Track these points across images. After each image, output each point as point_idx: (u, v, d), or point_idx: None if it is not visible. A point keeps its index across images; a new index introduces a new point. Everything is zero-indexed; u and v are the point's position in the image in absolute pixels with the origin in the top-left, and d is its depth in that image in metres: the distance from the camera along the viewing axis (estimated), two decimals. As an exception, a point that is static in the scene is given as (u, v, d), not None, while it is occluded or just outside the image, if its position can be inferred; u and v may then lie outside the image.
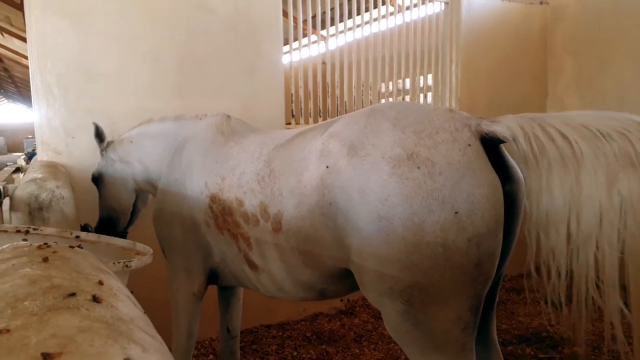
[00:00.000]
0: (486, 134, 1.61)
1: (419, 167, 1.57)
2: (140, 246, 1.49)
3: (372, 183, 1.62)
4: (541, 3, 5.46)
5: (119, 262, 1.16)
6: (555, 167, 1.49)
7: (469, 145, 1.60)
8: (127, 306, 0.53)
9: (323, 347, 3.71)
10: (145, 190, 2.86)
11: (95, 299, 0.48)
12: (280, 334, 3.95)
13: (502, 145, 1.70)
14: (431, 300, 1.58)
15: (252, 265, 2.11)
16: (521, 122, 1.58)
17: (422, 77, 5.14)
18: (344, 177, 1.69)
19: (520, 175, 1.70)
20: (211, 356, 3.58)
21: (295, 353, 3.61)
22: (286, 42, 4.29)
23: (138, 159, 2.74)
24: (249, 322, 3.87)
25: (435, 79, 5.11)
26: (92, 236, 1.45)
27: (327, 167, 1.75)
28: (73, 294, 0.47)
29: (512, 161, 1.72)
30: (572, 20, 5.27)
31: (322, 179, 1.75)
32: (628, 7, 4.73)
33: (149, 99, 3.53)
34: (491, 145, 1.63)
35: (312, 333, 3.95)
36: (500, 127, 1.60)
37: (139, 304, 0.68)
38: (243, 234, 2.07)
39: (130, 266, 1.18)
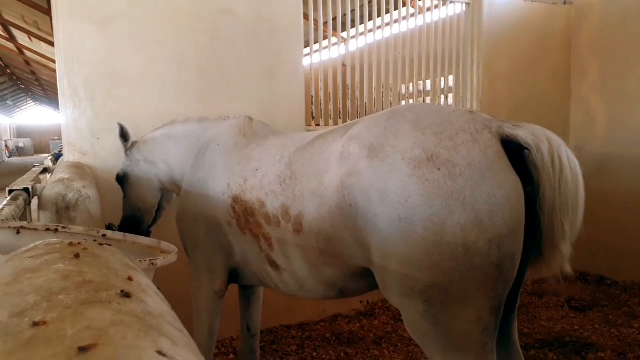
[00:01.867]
0: (507, 136, 1.60)
1: (439, 169, 1.57)
2: (165, 245, 1.52)
3: (392, 184, 1.63)
4: (565, 3, 5.38)
5: (145, 260, 1.18)
6: (566, 188, 1.58)
7: (490, 146, 1.59)
8: (155, 302, 0.55)
9: (342, 348, 3.72)
10: (170, 190, 2.91)
11: (126, 294, 0.50)
12: (300, 334, 3.97)
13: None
14: (451, 300, 1.58)
15: (274, 265, 2.13)
16: (548, 134, 1.60)
17: (443, 79, 5.10)
18: (364, 178, 1.70)
19: None
20: (231, 355, 3.62)
21: (314, 354, 3.62)
22: (306, 45, 4.31)
23: (162, 159, 2.80)
24: (269, 322, 3.90)
25: (456, 80, 5.07)
26: (118, 235, 1.48)
27: (347, 169, 1.77)
28: (105, 290, 0.49)
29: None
30: (597, 20, 5.18)
31: (343, 181, 1.77)
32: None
33: (173, 102, 3.59)
34: (512, 149, 1.62)
35: (331, 334, 3.95)
36: (523, 132, 1.60)
37: (167, 301, 0.70)
38: (265, 235, 2.09)
39: (157, 264, 1.21)
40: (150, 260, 1.20)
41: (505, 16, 5.04)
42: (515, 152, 1.62)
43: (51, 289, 0.47)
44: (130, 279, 0.58)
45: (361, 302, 4.44)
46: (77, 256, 0.62)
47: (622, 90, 4.97)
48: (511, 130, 1.60)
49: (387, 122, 1.77)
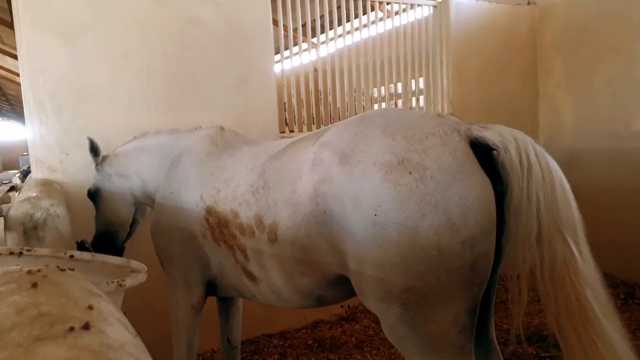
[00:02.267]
0: (476, 138, 1.62)
1: (410, 173, 1.58)
2: (135, 263, 1.48)
3: (365, 190, 1.63)
4: (529, 3, 5.50)
5: (112, 282, 1.15)
6: (536, 188, 1.57)
7: (459, 149, 1.61)
8: (117, 331, 0.53)
9: (325, 354, 3.70)
10: (143, 203, 2.86)
11: (85, 326, 0.49)
12: (282, 343, 3.94)
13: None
14: (428, 303, 1.59)
15: (250, 276, 2.11)
16: (515, 133, 1.62)
17: (413, 81, 5.15)
18: (336, 185, 1.70)
19: None
20: (213, 368, 3.57)
21: (297, 362, 3.60)
22: (277, 51, 4.30)
23: (135, 172, 2.75)
24: (250, 331, 3.86)
25: (426, 82, 5.13)
26: (86, 255, 1.44)
27: (319, 176, 1.76)
28: (61, 322, 0.47)
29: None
30: (560, 19, 5.31)
31: (316, 188, 1.76)
32: (613, 6, 4.76)
33: (143, 114, 3.54)
34: (481, 151, 1.64)
35: (313, 341, 3.94)
36: (491, 133, 1.62)
37: (131, 327, 0.68)
38: (239, 245, 2.07)
39: (125, 285, 1.18)
40: (118, 281, 1.17)
41: (472, 18, 5.12)
42: (484, 153, 1.63)
43: (3, 326, 0.46)
44: (90, 307, 0.56)
45: (342, 306, 4.44)
46: (34, 285, 0.60)
47: (587, 87, 5.10)
48: (479, 132, 1.63)
49: (358, 127, 1.77)
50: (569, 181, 1.67)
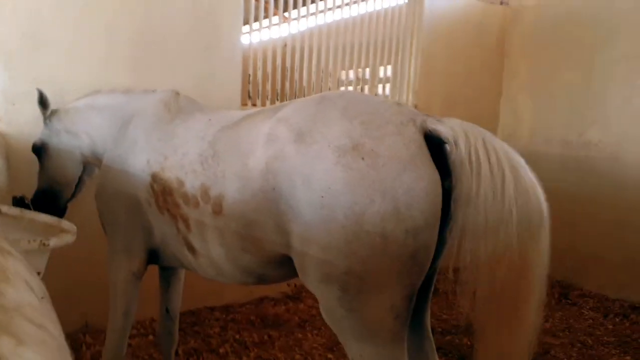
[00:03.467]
0: (430, 131, 1.63)
1: (363, 158, 1.58)
2: (66, 224, 1.42)
3: (317, 171, 1.61)
4: (501, 3, 5.57)
5: (34, 241, 1.09)
6: (483, 183, 1.58)
7: (413, 140, 1.61)
8: (17, 291, 0.50)
9: (266, 330, 3.72)
10: (92, 164, 2.75)
11: (-21, 284, 0.45)
12: (224, 316, 3.93)
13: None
14: (367, 287, 1.61)
15: (191, 248, 2.07)
16: (466, 128, 1.63)
17: (382, 68, 5.15)
18: (289, 163, 1.68)
19: None
20: (150, 336, 3.52)
21: (237, 336, 3.60)
22: (247, 22, 4.20)
23: (85, 130, 2.63)
24: (193, 303, 3.82)
25: (394, 70, 5.14)
26: (15, 210, 1.37)
27: (273, 152, 1.73)
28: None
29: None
30: (530, 23, 5.40)
31: (268, 164, 1.73)
32: (580, 17, 4.89)
33: (103, 72, 3.39)
34: (434, 143, 1.65)
35: (256, 316, 3.94)
36: (444, 127, 1.63)
37: (43, 287, 0.64)
38: (182, 215, 2.02)
39: (49, 244, 1.12)
40: (42, 240, 1.11)
41: (445, 11, 5.15)
42: (436, 146, 1.65)
43: None
44: (-8, 264, 0.52)
45: (288, 285, 4.46)
46: None
47: (548, 92, 5.24)
48: (433, 125, 1.63)
49: (317, 107, 1.75)
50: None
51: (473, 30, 5.37)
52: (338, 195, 1.58)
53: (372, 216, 1.55)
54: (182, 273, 2.80)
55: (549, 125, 5.23)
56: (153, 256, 2.38)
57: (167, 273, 2.75)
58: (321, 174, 1.61)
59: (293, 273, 1.89)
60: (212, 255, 1.99)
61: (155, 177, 2.13)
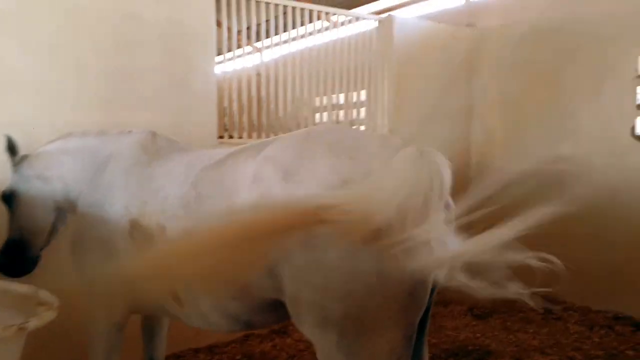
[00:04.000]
0: None
1: None
2: (45, 295, 1.29)
3: None
4: (468, 25, 5.70)
5: (10, 326, 0.95)
6: None
7: (401, 172, 1.58)
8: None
9: (254, 369, 3.60)
10: (65, 210, 2.62)
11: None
12: (209, 358, 3.79)
13: None
14: (365, 331, 1.55)
15: (176, 298, 1.98)
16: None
17: (355, 93, 5.18)
18: None
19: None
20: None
21: (224, 377, 3.46)
22: (220, 53, 4.17)
23: (58, 175, 2.52)
24: (176, 345, 3.67)
25: (368, 95, 5.16)
26: (-17, 282, 1.24)
27: (260, 192, 1.68)
28: None
29: None
30: (497, 44, 5.51)
31: None
32: (544, 35, 5.02)
33: (73, 112, 3.29)
34: None
35: (242, 355, 3.82)
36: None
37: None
38: (167, 264, 1.94)
39: (27, 328, 0.99)
40: (19, 325, 0.99)
41: (414, 36, 5.22)
42: None
43: None
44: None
45: (274, 318, 4.33)
46: None
47: (518, 110, 5.32)
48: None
49: (304, 144, 1.71)
50: (499, 202, 1.57)
51: (442, 52, 5.44)
52: (330, 234, 1.53)
53: (368, 255, 1.50)
54: (166, 320, 2.69)
55: (521, 142, 5.31)
56: (135, 306, 2.27)
57: (151, 321, 2.63)
58: None
59: (283, 317, 1.82)
60: (198, 305, 1.90)
61: (134, 224, 2.04)
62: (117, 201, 2.14)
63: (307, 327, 1.65)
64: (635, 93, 4.33)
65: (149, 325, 2.64)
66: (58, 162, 2.52)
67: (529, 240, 1.46)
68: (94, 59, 3.38)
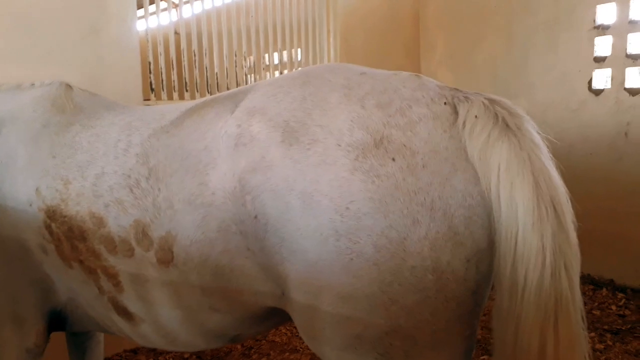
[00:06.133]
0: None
1: (393, 159, 1.05)
2: None
3: (325, 184, 1.05)
4: (416, -26, 5.32)
5: None
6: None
7: (454, 124, 1.11)
8: None
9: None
10: None
11: None
12: (152, 359, 3.21)
13: None
14: (418, 349, 1.08)
15: (124, 313, 1.39)
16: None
17: (300, 49, 4.68)
18: (278, 176, 1.09)
19: None
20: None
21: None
22: (141, 6, 3.44)
23: None
24: (111, 348, 3.06)
25: (313, 51, 4.72)
26: None
27: (249, 161, 1.14)
28: None
29: None
30: (443, -5, 5.20)
31: (242, 180, 1.13)
32: (498, -18, 4.74)
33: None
34: None
35: (191, 354, 3.28)
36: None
37: None
38: (106, 269, 1.33)
39: None
40: None
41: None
42: None
43: None
44: None
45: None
46: None
47: (469, 64, 5.08)
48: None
49: (304, 89, 1.17)
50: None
51: (388, 6, 5.09)
52: (361, 217, 1.03)
53: (419, 243, 1.02)
54: (102, 335, 2.07)
55: (473, 99, 5.08)
56: (56, 321, 1.66)
57: (82, 338, 2.00)
58: (332, 188, 1.05)
59: (276, 324, 1.32)
60: (160, 321, 1.33)
61: (52, 213, 1.40)
62: (22, 181, 1.47)
63: (329, 349, 1.14)
64: (593, 45, 4.15)
65: (79, 344, 2.01)
66: None
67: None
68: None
